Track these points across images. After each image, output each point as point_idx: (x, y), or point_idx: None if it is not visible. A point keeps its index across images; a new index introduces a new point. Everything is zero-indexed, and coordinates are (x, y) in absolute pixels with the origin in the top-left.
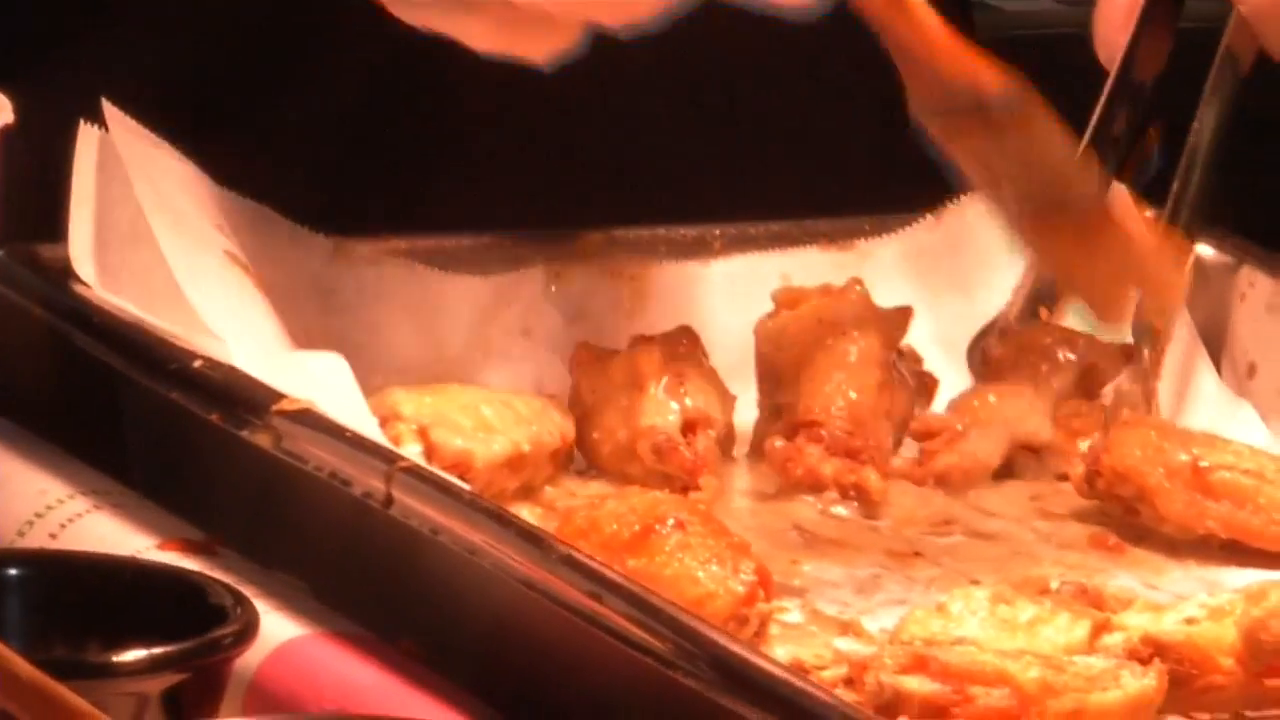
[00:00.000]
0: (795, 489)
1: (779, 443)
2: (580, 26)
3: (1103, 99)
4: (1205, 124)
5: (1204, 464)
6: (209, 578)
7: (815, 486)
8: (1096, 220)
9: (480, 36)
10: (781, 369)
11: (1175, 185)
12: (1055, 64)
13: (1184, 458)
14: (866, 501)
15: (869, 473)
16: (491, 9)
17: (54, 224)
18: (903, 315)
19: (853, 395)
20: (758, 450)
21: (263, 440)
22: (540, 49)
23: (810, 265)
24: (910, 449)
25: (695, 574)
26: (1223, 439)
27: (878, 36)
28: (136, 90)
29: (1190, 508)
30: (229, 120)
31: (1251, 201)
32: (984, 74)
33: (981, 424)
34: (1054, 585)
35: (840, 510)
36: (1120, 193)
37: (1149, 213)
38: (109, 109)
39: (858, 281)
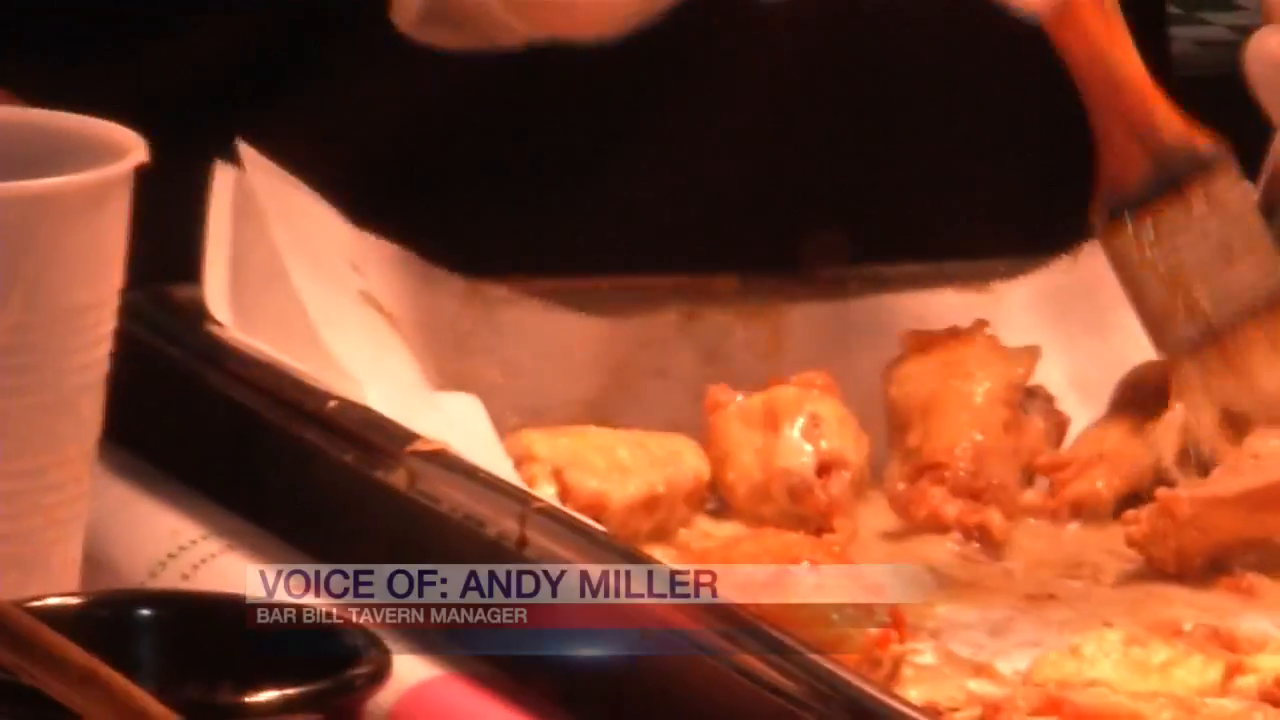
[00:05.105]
0: (919, 530)
1: (902, 485)
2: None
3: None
4: None
5: None
6: (342, 618)
7: (939, 528)
8: None
9: None
10: (908, 412)
11: None
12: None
13: None
14: (990, 542)
15: (992, 513)
16: None
17: (189, 265)
18: (1030, 355)
19: (977, 436)
20: (890, 492)
21: (397, 481)
22: None
23: (945, 306)
24: (1043, 486)
25: (829, 615)
26: None
27: (1021, 84)
28: (274, 131)
29: None
30: (364, 162)
31: None
32: (1197, 131)
33: (1108, 456)
34: (1187, 627)
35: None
36: None
37: None
38: (244, 148)
39: (984, 323)
